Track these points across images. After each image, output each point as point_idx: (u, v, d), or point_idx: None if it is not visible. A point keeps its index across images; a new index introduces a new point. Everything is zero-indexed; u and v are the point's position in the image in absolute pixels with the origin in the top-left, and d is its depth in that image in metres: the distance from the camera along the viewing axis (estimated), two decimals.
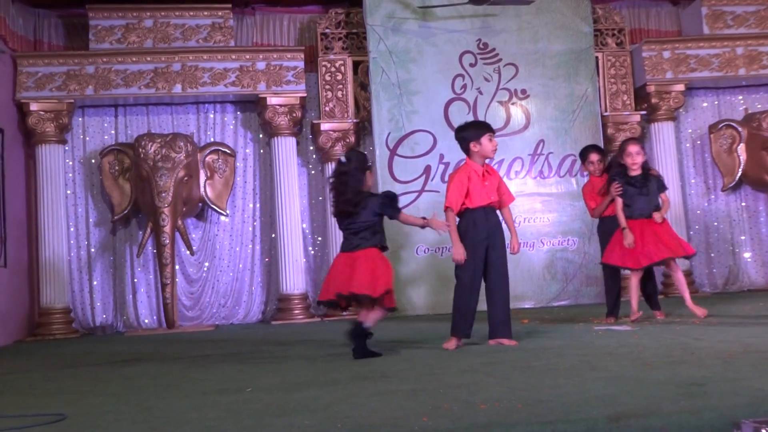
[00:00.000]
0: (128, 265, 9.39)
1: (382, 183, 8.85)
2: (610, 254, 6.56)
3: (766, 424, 2.52)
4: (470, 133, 5.60)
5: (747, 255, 10.34)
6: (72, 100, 9.05)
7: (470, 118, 9.33)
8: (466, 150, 5.60)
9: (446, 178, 5.51)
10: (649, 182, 6.48)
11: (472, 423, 2.88)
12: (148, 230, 8.82)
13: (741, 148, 10.01)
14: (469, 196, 5.46)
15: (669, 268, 6.65)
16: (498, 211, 5.58)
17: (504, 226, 5.51)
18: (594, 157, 7.01)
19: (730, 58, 10.01)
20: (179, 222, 8.81)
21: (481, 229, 5.44)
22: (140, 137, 8.86)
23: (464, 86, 9.42)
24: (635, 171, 6.51)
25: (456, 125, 9.10)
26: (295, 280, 9.23)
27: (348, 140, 9.42)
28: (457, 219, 5.50)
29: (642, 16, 10.78)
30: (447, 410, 3.15)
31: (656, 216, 6.39)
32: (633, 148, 6.51)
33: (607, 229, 6.79)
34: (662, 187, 6.53)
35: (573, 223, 9.29)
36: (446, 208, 5.51)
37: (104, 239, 9.41)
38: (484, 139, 5.55)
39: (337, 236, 9.26)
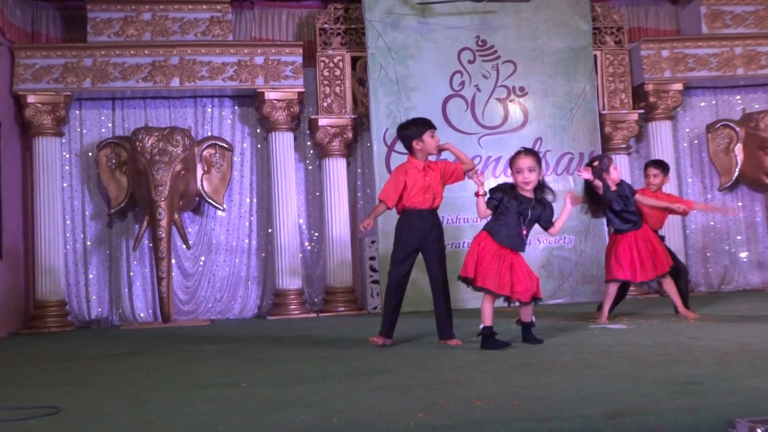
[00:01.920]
0: (124, 259, 9.37)
1: (379, 179, 8.84)
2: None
3: (761, 423, 2.53)
4: (412, 131, 5.68)
5: (743, 255, 10.35)
6: (69, 93, 9.02)
7: (468, 115, 9.35)
8: (409, 148, 5.68)
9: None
10: (624, 192, 6.53)
11: (468, 419, 2.89)
12: (145, 224, 8.80)
13: (738, 148, 10.02)
14: (408, 194, 5.55)
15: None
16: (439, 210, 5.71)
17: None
18: (652, 171, 7.13)
19: (729, 58, 10.00)
20: (176, 216, 8.79)
21: (415, 232, 5.56)
22: (137, 130, 8.83)
23: (462, 83, 9.41)
24: (614, 187, 6.50)
25: (454, 122, 9.29)
26: (291, 275, 9.22)
27: (345, 136, 9.41)
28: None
29: (641, 14, 10.78)
30: (443, 406, 3.15)
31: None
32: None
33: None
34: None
35: (570, 222, 9.18)
36: (379, 201, 5.67)
37: (100, 232, 9.39)
38: (426, 137, 5.64)
39: (333, 231, 9.27)
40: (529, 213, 5.22)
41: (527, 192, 5.25)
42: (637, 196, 6.72)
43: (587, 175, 6.37)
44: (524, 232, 5.23)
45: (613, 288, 6.62)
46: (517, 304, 5.31)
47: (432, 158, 5.80)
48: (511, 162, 5.30)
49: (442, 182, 5.68)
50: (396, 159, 9.00)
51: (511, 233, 5.20)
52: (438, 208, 5.69)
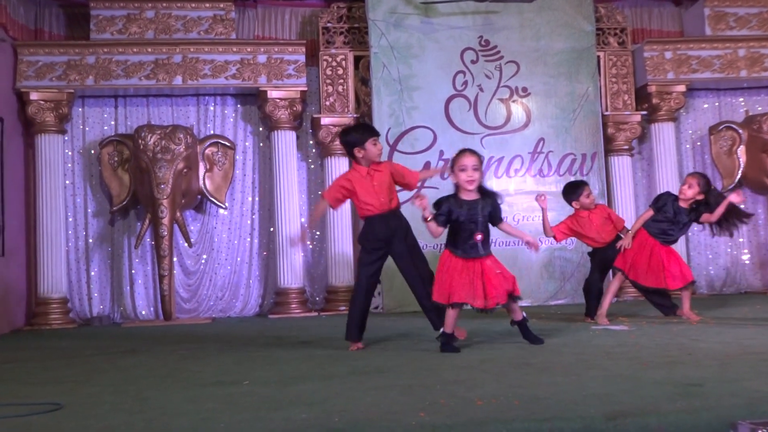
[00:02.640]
0: (126, 257, 9.38)
1: None
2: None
3: (762, 425, 2.53)
4: (354, 137, 5.59)
5: (745, 257, 10.34)
6: (72, 90, 9.03)
7: (471, 115, 9.35)
8: (351, 154, 5.61)
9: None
10: (691, 215, 6.56)
11: (469, 419, 2.89)
12: (147, 222, 8.80)
13: (741, 150, 10.00)
14: (360, 202, 5.54)
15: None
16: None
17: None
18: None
19: (732, 60, 9.99)
20: (178, 214, 8.79)
21: (380, 237, 5.52)
22: (140, 128, 8.84)
23: (465, 83, 9.41)
24: (685, 203, 6.55)
25: (457, 122, 9.29)
26: (292, 274, 9.23)
27: None
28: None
29: (644, 15, 10.77)
30: (444, 406, 3.15)
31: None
32: (691, 180, 6.60)
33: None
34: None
35: None
36: (321, 196, 5.71)
37: (102, 230, 9.40)
38: (369, 144, 5.55)
39: (335, 231, 9.27)
40: (479, 216, 5.09)
41: (470, 193, 5.12)
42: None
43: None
44: (479, 237, 5.08)
45: (615, 283, 6.67)
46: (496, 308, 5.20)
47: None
48: (454, 161, 5.17)
49: (393, 181, 5.61)
50: (398, 159, 8.99)
51: (467, 244, 5.09)
52: (399, 208, 5.64)
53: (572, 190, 7.01)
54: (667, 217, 6.54)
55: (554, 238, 7.02)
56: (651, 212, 6.63)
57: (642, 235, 6.57)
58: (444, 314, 5.18)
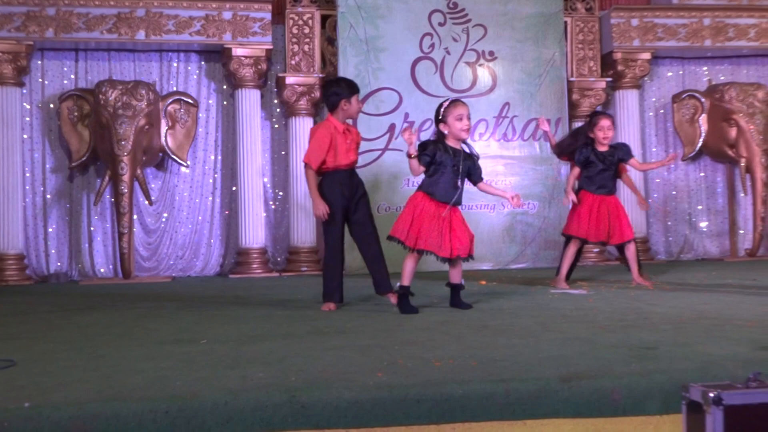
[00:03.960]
0: (85, 213, 9.25)
1: None
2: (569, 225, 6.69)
3: (713, 387, 2.57)
4: (343, 89, 5.59)
5: (703, 225, 10.49)
6: (31, 42, 8.81)
7: (437, 77, 9.31)
8: (334, 106, 5.56)
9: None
10: (614, 158, 6.55)
11: (426, 379, 2.90)
12: (107, 178, 8.68)
13: (703, 119, 10.10)
14: (334, 155, 5.47)
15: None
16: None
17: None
18: (605, 123, 6.99)
19: (697, 29, 10.04)
20: (138, 171, 8.68)
21: (346, 191, 5.50)
22: (101, 83, 8.67)
23: (432, 45, 9.35)
24: (603, 147, 6.56)
25: (423, 84, 9.25)
26: (254, 234, 9.18)
27: (313, 95, 9.31)
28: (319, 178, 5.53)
29: None
30: (401, 366, 3.17)
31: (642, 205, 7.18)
32: (605, 123, 6.55)
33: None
34: (628, 155, 6.60)
35: (534, 187, 9.33)
36: (305, 165, 5.51)
37: (61, 186, 9.25)
38: (354, 99, 5.59)
39: (298, 191, 9.22)
40: (461, 165, 5.13)
41: (456, 143, 5.15)
42: (634, 163, 6.74)
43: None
44: (459, 185, 5.14)
45: (572, 249, 6.69)
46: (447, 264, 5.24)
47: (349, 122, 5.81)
48: (447, 110, 5.14)
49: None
50: (364, 120, 8.96)
51: (448, 187, 5.11)
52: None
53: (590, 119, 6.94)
54: (597, 169, 6.54)
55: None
56: (578, 169, 6.61)
57: (584, 195, 6.59)
58: (389, 280, 5.27)
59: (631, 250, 6.67)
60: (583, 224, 6.55)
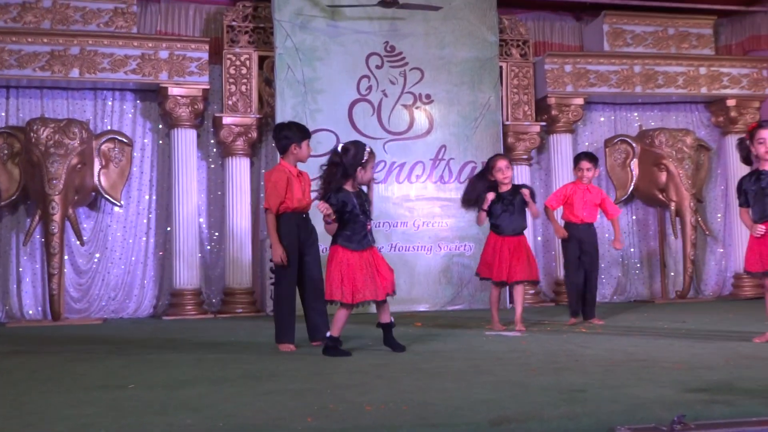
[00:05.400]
0: (14, 254, 9.00)
1: None
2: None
3: (640, 430, 2.60)
4: (294, 134, 5.72)
5: (635, 267, 10.70)
6: None
7: (374, 119, 9.37)
8: (285, 149, 5.70)
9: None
10: (516, 199, 6.64)
11: (356, 425, 2.88)
12: (37, 218, 8.50)
13: (634, 163, 10.36)
14: (291, 197, 5.57)
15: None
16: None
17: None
18: (585, 165, 7.24)
19: (628, 76, 10.33)
20: (70, 211, 8.52)
21: (302, 234, 5.63)
22: (32, 121, 8.52)
23: (369, 87, 9.43)
24: (506, 186, 6.67)
25: (360, 126, 9.30)
26: (189, 274, 9.05)
27: (250, 135, 9.29)
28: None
29: (546, 29, 11.03)
30: (333, 411, 3.14)
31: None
32: (502, 163, 6.67)
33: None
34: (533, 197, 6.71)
35: (470, 229, 9.39)
36: (266, 210, 5.61)
37: None
38: (305, 144, 5.74)
39: (234, 232, 9.14)
40: (367, 205, 5.22)
41: (352, 185, 5.19)
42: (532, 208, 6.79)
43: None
44: (369, 227, 5.22)
45: (493, 291, 6.83)
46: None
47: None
48: (369, 159, 5.20)
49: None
50: None
51: (361, 234, 5.16)
52: None
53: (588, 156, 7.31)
54: (498, 211, 6.64)
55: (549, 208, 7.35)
56: (483, 213, 6.67)
57: (489, 237, 6.76)
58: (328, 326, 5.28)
59: (518, 291, 6.72)
60: (486, 264, 6.72)
